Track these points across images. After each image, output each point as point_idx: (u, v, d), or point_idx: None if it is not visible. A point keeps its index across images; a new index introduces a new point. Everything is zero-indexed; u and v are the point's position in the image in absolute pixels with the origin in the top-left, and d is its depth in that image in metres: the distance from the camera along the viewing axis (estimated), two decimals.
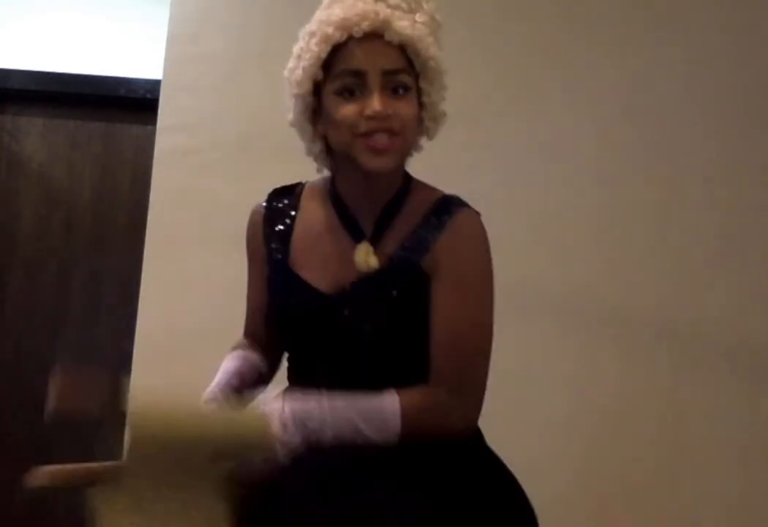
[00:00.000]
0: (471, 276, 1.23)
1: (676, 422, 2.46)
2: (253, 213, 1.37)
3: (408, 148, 1.25)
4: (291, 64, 1.28)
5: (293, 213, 1.32)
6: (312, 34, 1.23)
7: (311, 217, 1.30)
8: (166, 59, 2.61)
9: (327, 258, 1.26)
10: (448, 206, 1.26)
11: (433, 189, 1.31)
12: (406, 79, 1.20)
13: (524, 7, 2.65)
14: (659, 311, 2.51)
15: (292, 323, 1.28)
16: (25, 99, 2.88)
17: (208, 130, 2.57)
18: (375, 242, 1.25)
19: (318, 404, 1.13)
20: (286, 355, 1.36)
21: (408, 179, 1.31)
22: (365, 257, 1.23)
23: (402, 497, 1.16)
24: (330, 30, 1.19)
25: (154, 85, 2.68)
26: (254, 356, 1.34)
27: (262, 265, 1.32)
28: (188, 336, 2.37)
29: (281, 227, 1.31)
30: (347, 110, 1.19)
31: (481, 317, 1.23)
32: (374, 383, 1.18)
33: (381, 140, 1.18)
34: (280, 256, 1.29)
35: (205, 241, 2.49)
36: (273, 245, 1.31)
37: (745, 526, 2.42)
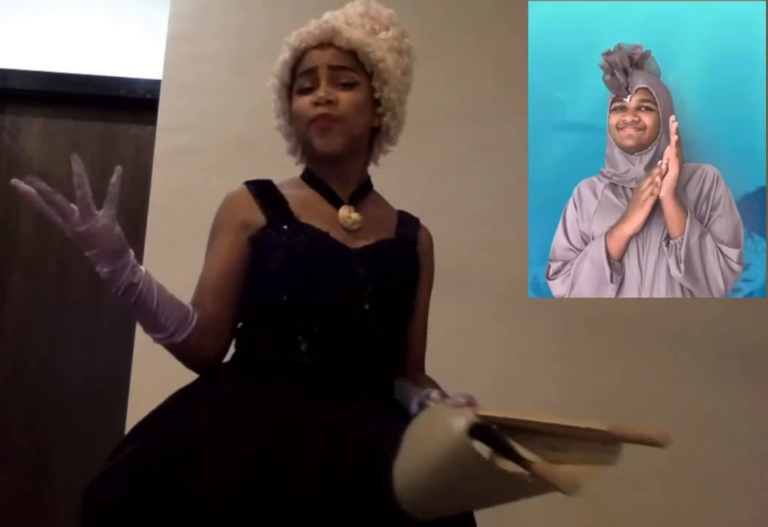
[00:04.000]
0: (432, 278, 1.52)
1: (674, 422, 2.46)
2: (236, 192, 1.46)
3: (355, 133, 1.41)
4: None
5: (280, 196, 1.43)
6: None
7: (298, 194, 1.44)
8: (166, 59, 2.61)
9: (330, 222, 1.40)
10: (410, 215, 1.53)
11: (385, 199, 1.53)
12: (351, 75, 1.40)
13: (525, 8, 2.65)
14: (660, 311, 2.51)
15: (299, 269, 1.35)
16: (25, 99, 2.88)
17: (208, 130, 2.57)
18: (354, 204, 1.44)
19: None
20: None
21: (369, 179, 1.51)
22: (348, 213, 1.41)
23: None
24: (292, 40, 1.44)
25: (154, 85, 2.68)
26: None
27: (238, 235, 1.41)
28: None
29: (273, 198, 1.42)
30: (302, 102, 1.41)
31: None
32: (368, 340, 1.35)
33: (323, 122, 1.38)
34: (284, 212, 1.39)
35: (205, 241, 2.48)
36: (270, 208, 1.40)
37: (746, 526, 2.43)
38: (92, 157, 2.85)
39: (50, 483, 2.72)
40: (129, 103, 2.82)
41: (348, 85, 1.40)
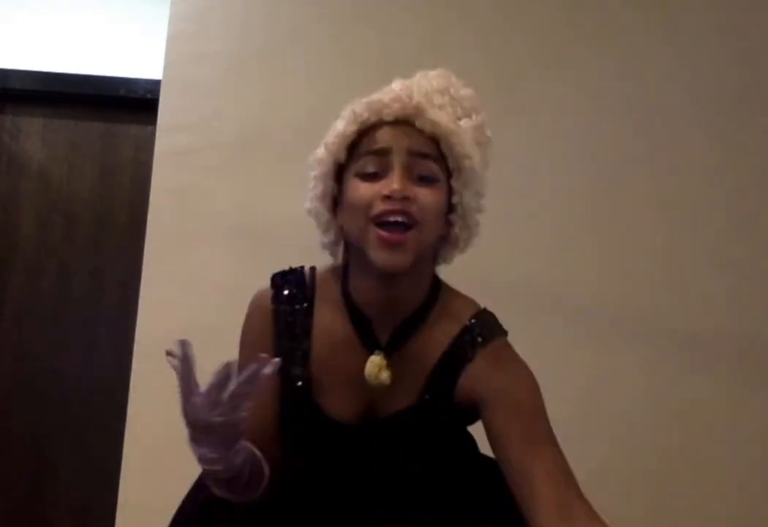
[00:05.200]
0: (524, 398, 1.11)
1: (679, 423, 2.46)
2: (260, 300, 1.22)
3: (425, 246, 1.11)
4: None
5: (308, 320, 1.17)
6: (344, 116, 1.15)
7: (329, 328, 1.17)
8: (166, 59, 2.60)
9: (349, 378, 1.15)
10: (481, 330, 1.17)
11: (465, 300, 1.21)
12: (434, 167, 1.11)
13: (528, 12, 2.65)
14: (660, 311, 2.51)
15: (304, 447, 1.20)
16: (25, 99, 2.87)
17: (208, 130, 2.57)
18: (390, 353, 1.14)
19: None
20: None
21: (437, 286, 1.20)
22: (377, 372, 1.13)
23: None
24: (359, 109, 1.12)
25: (154, 85, 2.68)
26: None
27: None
28: (188, 336, 2.36)
29: (297, 332, 1.17)
30: (365, 190, 1.10)
31: (551, 436, 1.09)
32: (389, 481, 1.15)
33: (395, 232, 1.07)
34: (300, 383, 1.16)
35: (205, 241, 2.49)
36: (287, 350, 1.17)
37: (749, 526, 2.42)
38: (92, 157, 2.85)
39: (50, 483, 2.72)
40: (129, 103, 2.82)
41: (428, 181, 1.10)
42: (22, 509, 2.72)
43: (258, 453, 1.11)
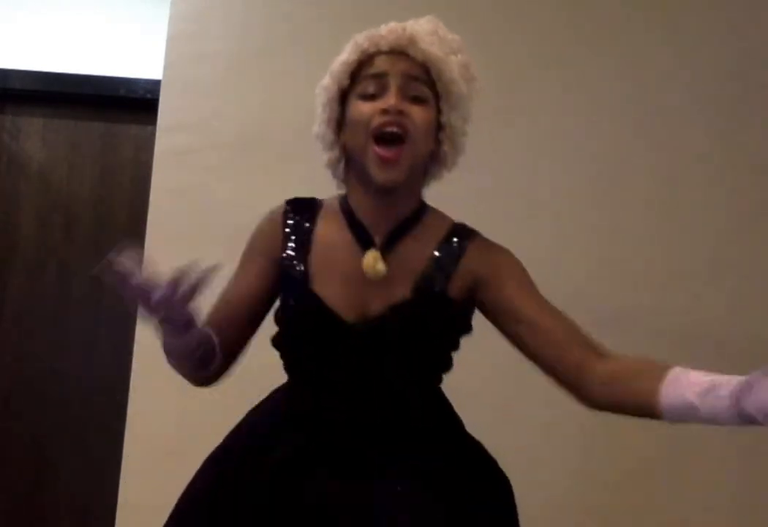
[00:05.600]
0: (520, 276, 1.32)
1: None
2: (273, 212, 1.39)
3: (417, 161, 1.28)
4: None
5: (311, 228, 1.34)
6: (346, 48, 1.32)
7: (328, 235, 1.33)
8: (166, 59, 2.60)
9: (347, 277, 1.28)
10: (462, 232, 1.34)
11: (445, 215, 1.38)
12: (424, 90, 1.27)
13: (528, 12, 2.65)
14: (660, 311, 2.51)
15: (301, 340, 1.30)
16: (25, 99, 2.88)
17: (208, 130, 2.57)
18: (385, 252, 1.28)
19: None
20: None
21: (423, 204, 1.36)
22: (373, 263, 1.26)
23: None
24: (360, 40, 1.30)
25: (154, 85, 2.68)
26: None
27: (267, 262, 1.34)
28: None
29: (300, 238, 1.33)
30: (365, 107, 1.26)
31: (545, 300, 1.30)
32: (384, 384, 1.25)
33: (390, 149, 1.23)
34: (301, 268, 1.30)
35: (205, 241, 2.49)
36: (291, 252, 1.32)
37: (748, 526, 2.42)
38: (92, 157, 2.85)
39: (50, 483, 2.72)
40: (129, 103, 2.82)
41: (419, 100, 1.27)
42: (22, 509, 2.72)
43: (214, 338, 1.27)
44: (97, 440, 2.72)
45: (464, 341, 1.36)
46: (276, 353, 1.39)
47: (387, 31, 1.29)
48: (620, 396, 1.19)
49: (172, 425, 2.34)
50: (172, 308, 1.13)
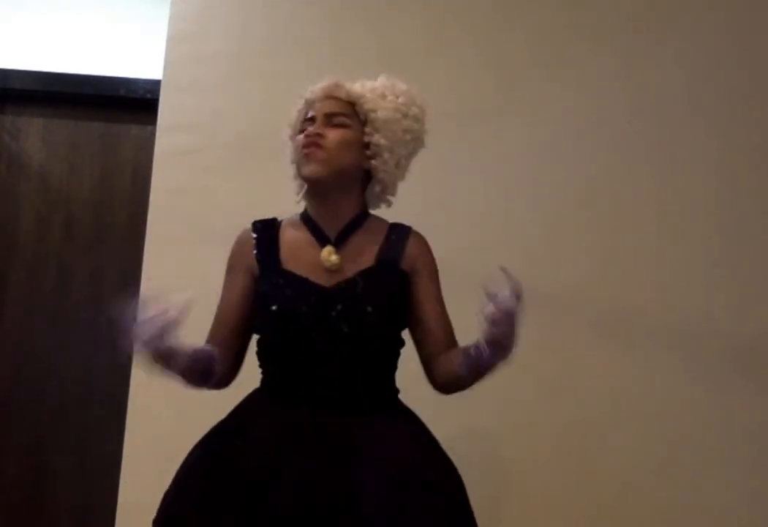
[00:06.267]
0: (435, 272, 1.62)
1: (676, 421, 2.46)
2: (243, 232, 1.64)
3: (339, 164, 1.54)
4: None
5: (276, 235, 1.61)
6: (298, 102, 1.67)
7: (292, 237, 1.60)
8: (166, 59, 2.60)
9: (312, 267, 1.54)
10: (401, 228, 1.64)
11: (383, 219, 1.66)
12: (342, 119, 1.58)
13: (528, 12, 2.66)
14: (660, 311, 2.51)
15: (284, 314, 1.50)
16: (25, 99, 2.87)
17: (208, 130, 2.57)
18: (338, 246, 1.56)
19: None
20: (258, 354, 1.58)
21: (367, 211, 1.65)
22: (328, 255, 1.54)
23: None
24: (306, 93, 1.64)
25: (154, 85, 2.68)
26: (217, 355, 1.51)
27: (245, 276, 1.58)
28: (189, 335, 2.36)
29: (269, 244, 1.59)
30: (298, 137, 1.59)
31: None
32: (354, 369, 1.50)
33: (308, 148, 1.54)
34: (273, 260, 1.57)
35: (205, 240, 2.49)
36: (263, 256, 1.58)
37: (748, 525, 2.43)
38: (92, 157, 2.85)
39: (50, 483, 2.72)
40: (129, 103, 2.82)
41: (338, 126, 1.57)
42: (22, 509, 2.72)
43: (215, 355, 1.50)
44: (97, 440, 2.72)
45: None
46: None
47: (323, 83, 1.61)
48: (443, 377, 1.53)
49: (172, 425, 2.34)
50: (157, 342, 1.43)
